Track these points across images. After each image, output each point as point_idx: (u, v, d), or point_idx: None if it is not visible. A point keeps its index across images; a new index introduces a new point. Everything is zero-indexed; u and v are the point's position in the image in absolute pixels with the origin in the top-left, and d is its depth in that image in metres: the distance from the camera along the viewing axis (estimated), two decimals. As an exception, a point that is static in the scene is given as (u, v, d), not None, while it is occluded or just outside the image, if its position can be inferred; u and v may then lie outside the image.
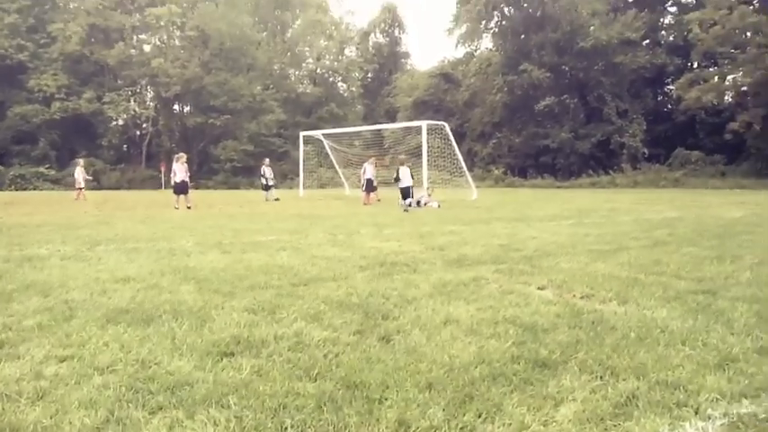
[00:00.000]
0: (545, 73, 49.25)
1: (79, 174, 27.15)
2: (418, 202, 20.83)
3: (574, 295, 5.61)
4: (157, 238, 10.55)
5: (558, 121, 50.02)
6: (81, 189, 26.72)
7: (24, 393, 3.11)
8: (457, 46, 60.08)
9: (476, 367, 3.49)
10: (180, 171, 20.22)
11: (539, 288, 5.99)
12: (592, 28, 49.22)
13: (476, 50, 61.10)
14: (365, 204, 22.51)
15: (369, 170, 23.86)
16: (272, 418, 2.80)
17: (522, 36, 53.36)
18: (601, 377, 3.35)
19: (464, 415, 2.83)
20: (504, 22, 54.55)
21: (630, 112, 47.96)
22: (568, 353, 3.77)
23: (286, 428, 2.69)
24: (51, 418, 2.82)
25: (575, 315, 4.77)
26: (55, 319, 4.63)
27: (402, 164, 21.39)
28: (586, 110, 50.66)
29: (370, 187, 23.68)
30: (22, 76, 49.81)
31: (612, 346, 3.92)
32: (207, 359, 3.66)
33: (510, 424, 2.76)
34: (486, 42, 59.58)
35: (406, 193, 20.29)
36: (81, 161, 29.84)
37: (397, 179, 20.78)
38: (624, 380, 3.31)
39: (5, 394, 3.10)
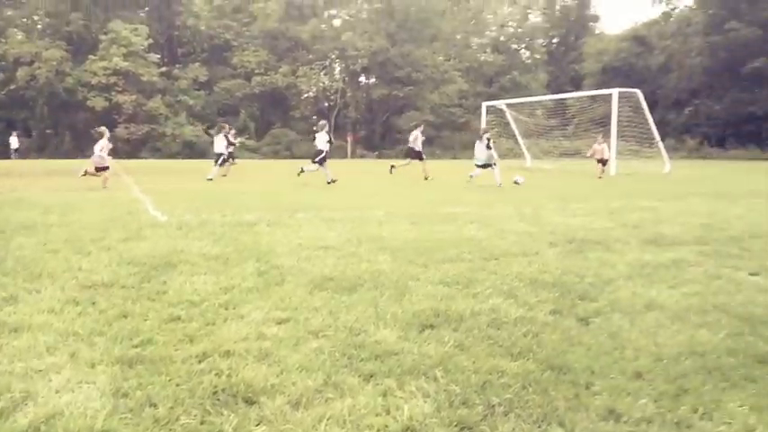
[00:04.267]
0: (756, 31, 44.42)
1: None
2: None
3: (795, 284, 5.12)
4: (350, 207, 11.06)
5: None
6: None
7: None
8: (653, 4, 56.16)
9: (686, 359, 3.32)
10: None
11: (751, 274, 5.52)
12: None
13: (674, 9, 56.63)
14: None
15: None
16: (479, 395, 2.87)
17: (730, -10, 48.49)
18: (836, 380, 3.04)
19: (678, 409, 2.71)
20: (709, -23, 49.90)
21: None
22: (794, 349, 3.46)
23: (493, 406, 2.74)
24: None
25: (798, 307, 4.35)
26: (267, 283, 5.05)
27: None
28: (806, 71, 45.13)
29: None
30: (227, 54, 54.23)
31: None
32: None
33: (731, 423, 2.60)
34: (687, 0, 55.02)
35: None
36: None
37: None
38: None
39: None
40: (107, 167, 15.96)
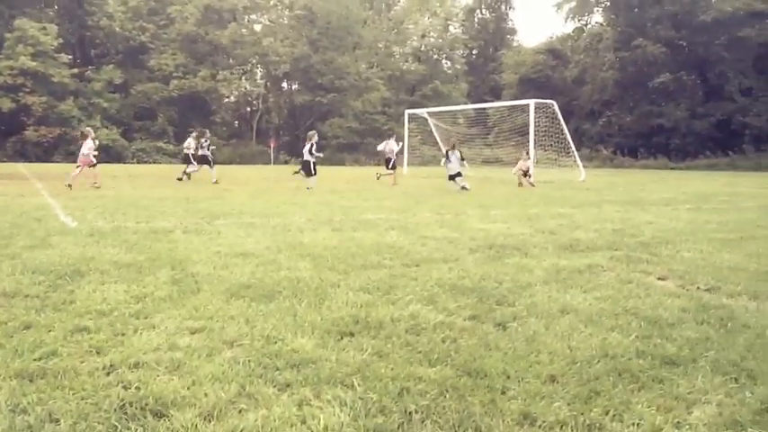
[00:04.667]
0: (660, 48, 46.85)
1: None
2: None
3: (698, 287, 5.35)
4: (271, 213, 10.89)
5: (673, 99, 47.65)
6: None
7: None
8: (566, 21, 58.39)
9: (598, 361, 3.40)
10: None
11: (659, 278, 5.75)
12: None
13: (586, 25, 59.11)
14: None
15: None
16: (396, 402, 2.85)
17: (636, 10, 50.94)
18: (736, 379, 3.17)
19: (591, 411, 2.77)
20: (617, -5, 52.34)
21: (756, 89, 44.87)
22: (698, 351, 3.60)
23: (410, 413, 2.72)
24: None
25: (701, 309, 4.54)
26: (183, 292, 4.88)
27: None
28: (705, 87, 47.92)
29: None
30: (144, 56, 52.57)
31: (746, 345, 3.71)
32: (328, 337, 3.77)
33: (640, 424, 2.67)
34: (597, 17, 57.51)
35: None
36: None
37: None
38: (763, 384, 3.12)
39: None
40: (95, 164, 17.14)
